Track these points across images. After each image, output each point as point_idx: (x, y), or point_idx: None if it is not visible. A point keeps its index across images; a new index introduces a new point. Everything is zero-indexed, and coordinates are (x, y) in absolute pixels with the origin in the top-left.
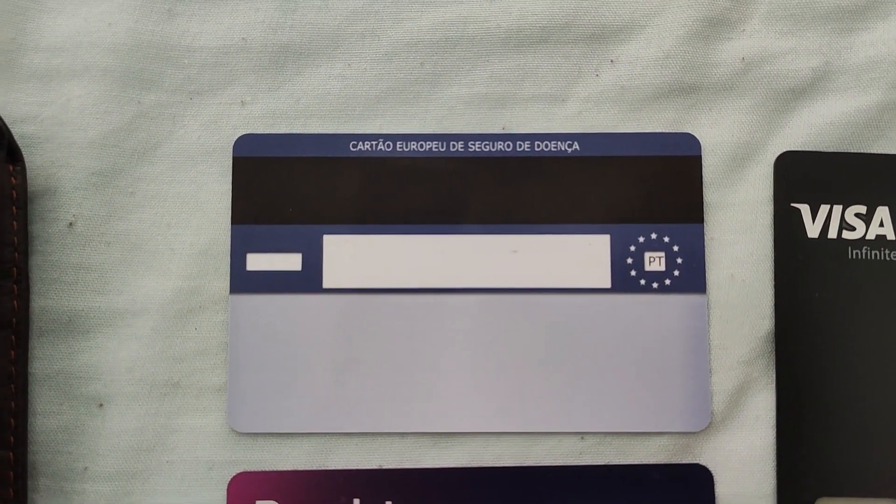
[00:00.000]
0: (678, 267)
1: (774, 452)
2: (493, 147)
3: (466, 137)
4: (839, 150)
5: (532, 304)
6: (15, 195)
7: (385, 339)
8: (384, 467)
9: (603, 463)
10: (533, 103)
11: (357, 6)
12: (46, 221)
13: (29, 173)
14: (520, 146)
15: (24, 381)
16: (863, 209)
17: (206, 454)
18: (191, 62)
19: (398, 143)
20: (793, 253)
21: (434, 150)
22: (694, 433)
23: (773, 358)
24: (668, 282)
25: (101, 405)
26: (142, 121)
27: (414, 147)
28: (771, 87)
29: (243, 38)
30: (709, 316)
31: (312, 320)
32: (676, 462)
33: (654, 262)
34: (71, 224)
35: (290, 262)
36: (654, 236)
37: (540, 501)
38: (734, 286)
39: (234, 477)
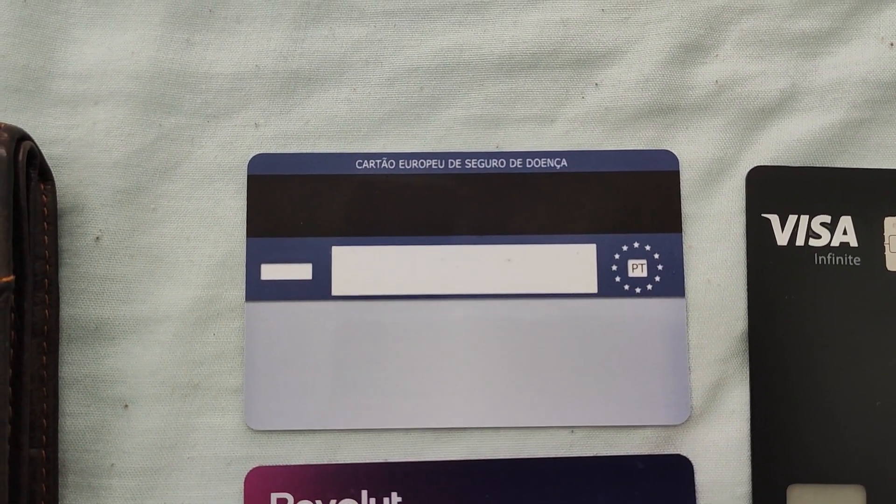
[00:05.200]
0: (659, 273)
1: (749, 443)
2: (488, 164)
3: (463, 156)
4: (806, 165)
5: (525, 309)
6: (46, 212)
7: (390, 342)
8: (389, 461)
9: (591, 454)
10: (524, 124)
11: (361, 35)
12: (75, 236)
13: (58, 191)
14: (512, 163)
15: (54, 384)
16: (828, 219)
17: (225, 451)
18: (208, 88)
19: (400, 161)
20: (764, 259)
21: (433, 167)
22: (675, 426)
23: (747, 356)
24: (649, 287)
25: (126, 406)
26: (163, 142)
27: (415, 165)
28: (742, 107)
29: (256, 66)
30: (687, 318)
31: (322, 325)
32: (659, 453)
33: (637, 268)
34: (97, 238)
35: (302, 271)
36: (636, 245)
37: (534, 491)
38: (711, 290)
39: (251, 471)
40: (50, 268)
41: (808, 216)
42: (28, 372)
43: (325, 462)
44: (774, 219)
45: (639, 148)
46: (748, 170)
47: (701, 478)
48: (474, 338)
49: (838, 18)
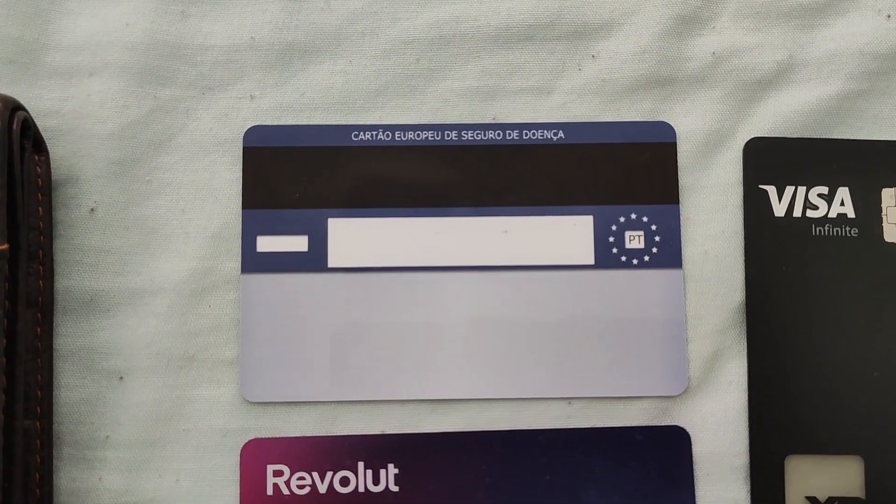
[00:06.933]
0: (656, 244)
1: (747, 414)
2: (485, 136)
3: (460, 127)
4: (803, 136)
5: (522, 281)
6: (40, 183)
7: (386, 313)
8: (386, 432)
9: (589, 426)
10: (521, 95)
11: (357, 7)
12: (69, 207)
13: (53, 163)
14: (509, 135)
15: (49, 355)
16: (825, 190)
17: (220, 422)
18: (203, 60)
19: (396, 133)
20: (761, 231)
21: (430, 139)
22: (672, 397)
23: (745, 327)
24: (647, 258)
25: (121, 378)
26: (158, 114)
27: (411, 136)
28: (739, 78)
29: (252, 37)
30: (685, 289)
31: (318, 297)
32: (657, 424)
33: (634, 240)
34: (92, 210)
35: (297, 243)
36: (633, 216)
37: (531, 462)
38: (708, 261)
39: (247, 443)
40: (44, 239)
41: (805, 187)
42: (22, 342)
43: (322, 434)
44: (772, 190)
45: (636, 119)
46: (745, 141)
47: (699, 449)
48: (471, 310)
49: None
